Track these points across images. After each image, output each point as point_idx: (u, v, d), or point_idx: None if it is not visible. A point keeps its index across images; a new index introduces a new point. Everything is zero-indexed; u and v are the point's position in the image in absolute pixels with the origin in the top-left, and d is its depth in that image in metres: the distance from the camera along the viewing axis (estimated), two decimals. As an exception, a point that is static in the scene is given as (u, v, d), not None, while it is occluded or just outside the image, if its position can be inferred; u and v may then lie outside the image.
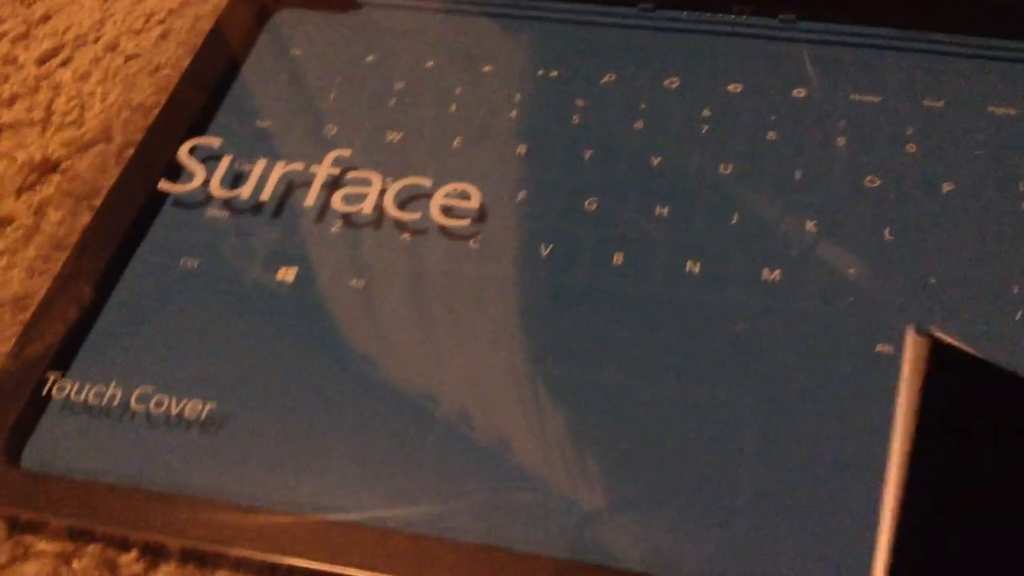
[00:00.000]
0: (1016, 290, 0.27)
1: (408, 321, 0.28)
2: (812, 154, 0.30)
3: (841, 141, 0.31)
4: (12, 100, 0.36)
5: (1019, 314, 0.26)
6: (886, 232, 0.28)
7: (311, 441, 0.26)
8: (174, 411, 0.26)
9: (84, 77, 0.37)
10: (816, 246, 0.28)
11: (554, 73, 0.34)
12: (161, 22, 0.39)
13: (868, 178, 0.30)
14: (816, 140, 0.31)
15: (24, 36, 0.39)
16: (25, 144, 0.35)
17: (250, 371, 0.27)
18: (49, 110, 0.36)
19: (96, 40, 0.38)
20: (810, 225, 0.29)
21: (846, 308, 0.27)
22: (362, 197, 0.30)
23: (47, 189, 0.33)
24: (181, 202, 0.31)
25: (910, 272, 0.27)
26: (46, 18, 0.39)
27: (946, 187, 0.29)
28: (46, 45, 0.38)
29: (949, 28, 0.33)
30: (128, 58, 0.37)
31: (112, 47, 0.38)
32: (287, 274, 0.29)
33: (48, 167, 0.34)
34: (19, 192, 0.33)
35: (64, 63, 0.38)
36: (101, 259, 0.30)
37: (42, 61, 0.37)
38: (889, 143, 0.30)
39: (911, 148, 0.30)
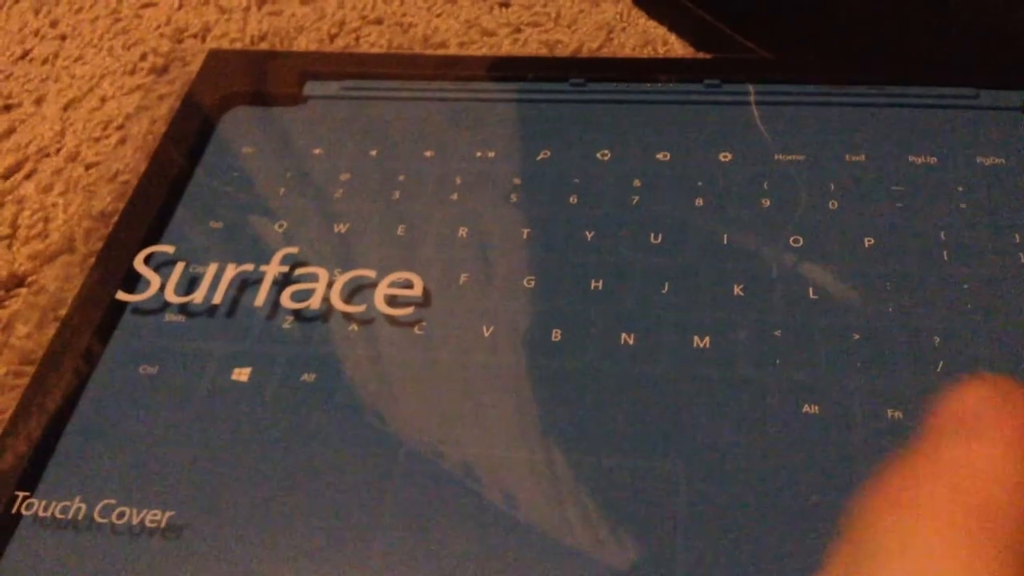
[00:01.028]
0: (937, 341, 0.28)
1: (359, 412, 0.29)
2: (738, 218, 0.32)
3: (766, 203, 0.32)
4: (-22, 218, 0.38)
5: (940, 365, 0.27)
6: (810, 291, 0.29)
7: (274, 542, 0.27)
8: (135, 521, 0.27)
9: (47, 189, 0.38)
10: (743, 310, 0.29)
11: (491, 153, 0.35)
12: (119, 128, 0.40)
13: (792, 238, 0.31)
14: (742, 203, 0.32)
15: (-12, 153, 0.40)
16: (-7, 260, 0.36)
17: (208, 475, 0.28)
18: (15, 224, 0.37)
19: (57, 151, 0.40)
20: (737, 289, 0.30)
21: (773, 370, 0.28)
22: (310, 293, 0.32)
23: (15, 303, 0.35)
24: (139, 310, 0.32)
25: (833, 330, 0.28)
26: (10, 132, 0.41)
27: (868, 242, 0.30)
28: (10, 160, 0.39)
29: (868, 80, 0.34)
30: (88, 166, 0.39)
31: (73, 157, 0.39)
32: (241, 374, 0.30)
33: (15, 281, 0.35)
34: (-12, 308, 0.35)
35: (28, 176, 0.39)
36: (65, 373, 0.31)
37: (6, 176, 0.39)
38: (813, 201, 0.32)
39: (833, 205, 0.31)
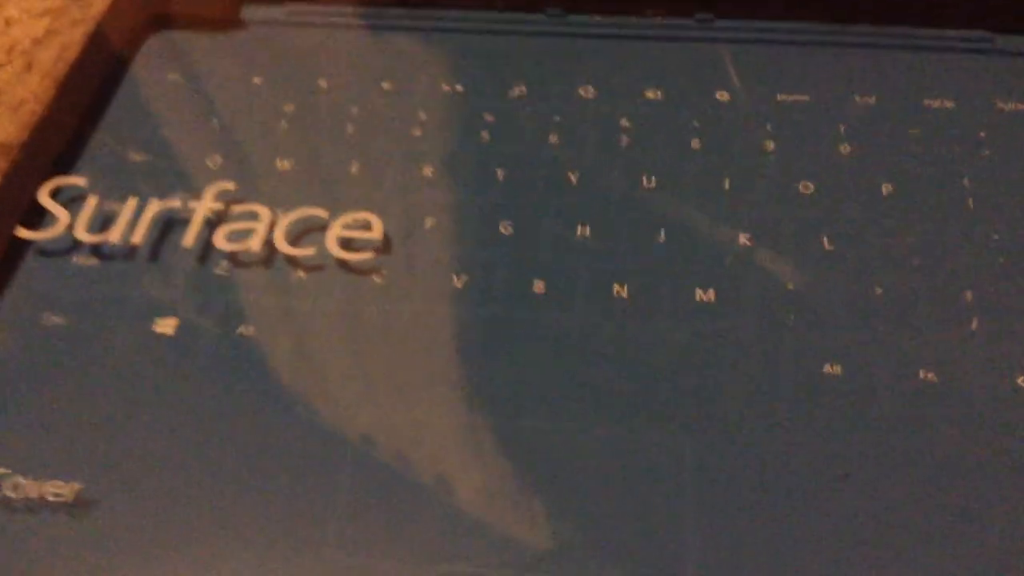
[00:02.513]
0: (969, 296, 0.25)
1: (307, 371, 0.25)
2: (740, 161, 0.28)
3: (770, 145, 0.28)
4: None
5: (975, 323, 0.24)
6: (825, 241, 0.26)
7: (198, 517, 0.22)
8: (35, 495, 0.22)
9: (-63, 116, 0.33)
10: (751, 260, 0.26)
11: (459, 87, 0.31)
12: (24, 53, 0.35)
13: (802, 184, 0.27)
14: (743, 145, 0.29)
15: None
16: None
17: (124, 443, 0.23)
18: None
19: (-49, 75, 0.34)
20: (743, 238, 0.26)
21: (788, 327, 0.24)
22: (249, 233, 0.27)
23: None
24: (44, 250, 0.27)
25: (853, 284, 0.25)
26: None
27: (885, 188, 0.27)
28: None
29: (877, 19, 0.31)
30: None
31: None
32: (166, 326, 0.26)
33: None
34: None
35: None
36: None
37: None
38: (822, 145, 0.28)
39: (845, 149, 0.28)
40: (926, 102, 0.29)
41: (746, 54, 0.31)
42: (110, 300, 0.26)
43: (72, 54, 0.34)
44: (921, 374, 0.23)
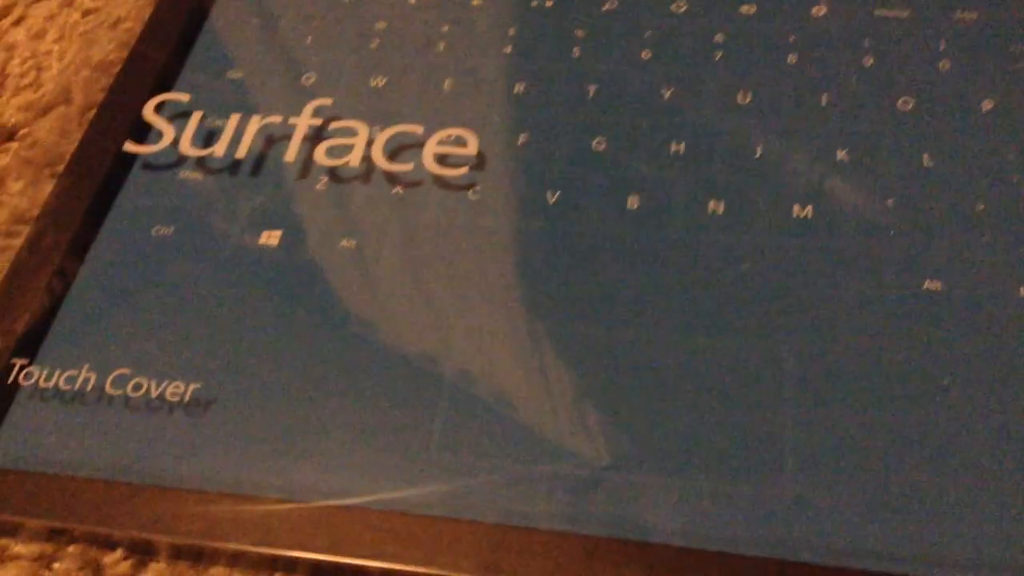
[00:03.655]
0: (1073, 214, 0.24)
1: (406, 283, 0.25)
2: (838, 77, 0.28)
3: (869, 61, 0.28)
4: (-39, 64, 0.33)
5: (1078, 240, 0.24)
6: (925, 158, 0.26)
7: (308, 420, 0.23)
8: (155, 394, 0.24)
9: (39, 36, 0.34)
10: (850, 177, 0.26)
11: (549, 3, 0.31)
12: None
13: (901, 100, 0.27)
14: (841, 61, 0.28)
15: (-30, -6, 0.35)
16: (-22, 111, 0.32)
17: (236, 346, 0.24)
18: (3, 73, 0.33)
19: (49, -5, 0.35)
20: (841, 154, 0.26)
21: (887, 243, 0.24)
22: (348, 149, 0.28)
23: (4, 158, 0.30)
24: (150, 164, 0.28)
25: (955, 200, 0.25)
26: (-6, -26, 0.36)
27: (986, 105, 0.27)
28: (-4, 3, 0.35)
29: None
30: (85, 13, 0.34)
31: (68, 2, 0.35)
32: (271, 237, 0.26)
33: (4, 134, 0.31)
34: (-26, 163, 0.30)
35: (17, 22, 0.35)
36: (66, 232, 0.27)
37: (-8, 20, 0.35)
38: (921, 61, 0.28)
39: (944, 65, 0.28)
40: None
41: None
42: (216, 212, 0.27)
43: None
44: (1022, 291, 0.23)
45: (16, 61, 0.33)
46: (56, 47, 0.33)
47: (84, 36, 0.33)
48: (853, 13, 0.29)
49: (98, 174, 0.28)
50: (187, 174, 0.28)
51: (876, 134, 0.26)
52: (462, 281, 0.25)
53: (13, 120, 0.31)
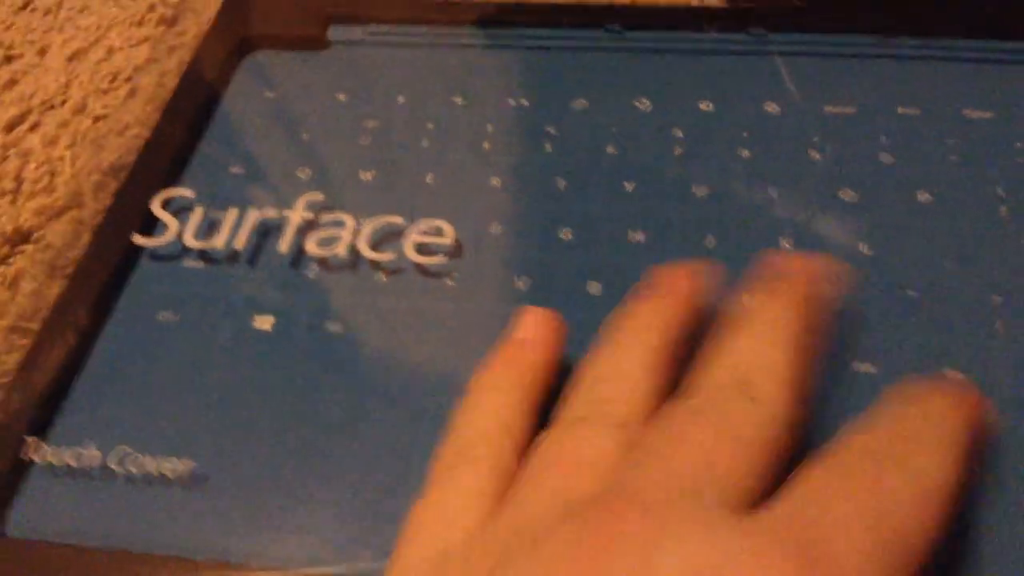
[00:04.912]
0: (998, 300, 0.26)
1: (387, 363, 0.28)
2: (787, 171, 0.30)
3: (815, 155, 0.30)
4: (-18, 171, 0.36)
5: (998, 324, 0.26)
6: (863, 246, 0.28)
7: (298, 494, 0.25)
8: (153, 470, 0.26)
9: (53, 142, 0.37)
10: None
11: (524, 101, 0.34)
12: (128, 80, 0.39)
13: (843, 191, 0.29)
14: (791, 156, 0.31)
15: (-10, 104, 0.39)
16: (-4, 216, 0.35)
17: (230, 425, 0.27)
18: (19, 179, 0.36)
19: (63, 103, 0.38)
20: (786, 243, 0.28)
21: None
22: (336, 239, 0.30)
23: (20, 261, 0.33)
24: (156, 255, 0.31)
25: (890, 286, 0.27)
26: (12, 83, 0.39)
27: (922, 196, 0.29)
28: (13, 111, 0.38)
29: (920, 32, 0.33)
30: (96, 119, 0.37)
31: (79, 109, 0.38)
32: (264, 323, 0.29)
33: (20, 237, 0.34)
34: (-8, 266, 0.33)
35: (32, 128, 0.37)
36: (78, 318, 0.30)
37: (9, 128, 0.37)
38: (865, 154, 0.30)
39: (887, 158, 0.30)
40: (965, 112, 0.31)
41: (796, 66, 0.33)
42: (215, 299, 0.30)
43: (171, 81, 0.37)
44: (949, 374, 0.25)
45: (32, 166, 0.36)
46: (68, 153, 0.36)
47: (94, 142, 0.36)
48: (804, 109, 0.32)
49: (109, 265, 0.31)
50: (190, 264, 0.31)
51: (819, 224, 0.29)
52: (441, 363, 0.28)
53: (28, 224, 0.34)
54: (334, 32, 0.37)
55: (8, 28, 0.41)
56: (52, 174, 0.35)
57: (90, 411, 0.28)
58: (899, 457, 0.20)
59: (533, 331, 0.26)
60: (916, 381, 0.22)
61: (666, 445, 0.20)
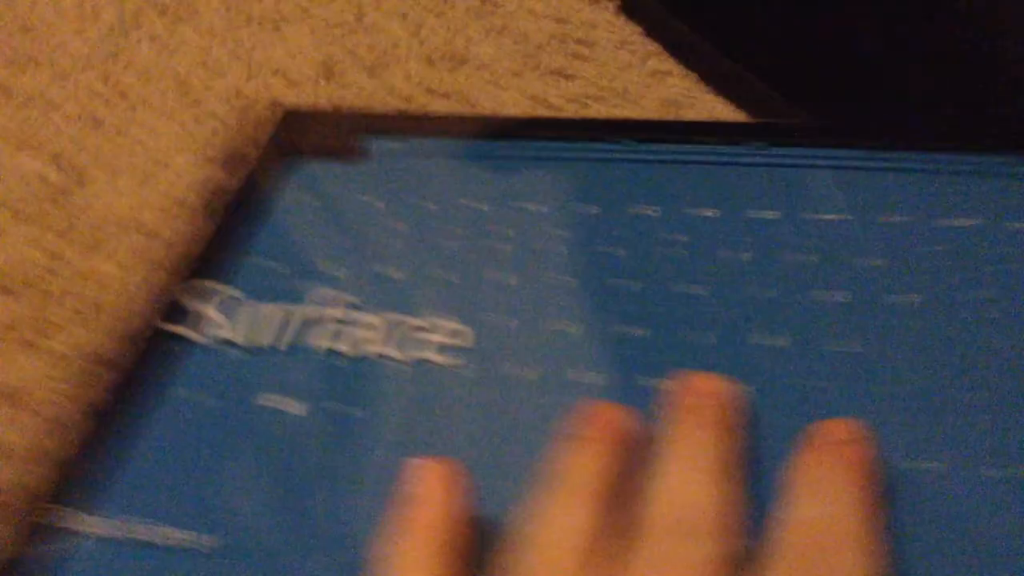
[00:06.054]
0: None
1: (411, 450, 0.30)
2: (786, 274, 0.32)
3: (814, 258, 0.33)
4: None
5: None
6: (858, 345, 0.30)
7: (308, 571, 0.28)
8: (181, 542, 0.28)
9: (124, 265, 0.40)
10: (787, 361, 0.30)
11: (544, 208, 0.36)
12: (187, 199, 0.42)
13: (843, 294, 0.31)
14: (790, 258, 0.33)
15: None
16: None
17: (258, 503, 0.29)
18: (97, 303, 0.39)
19: (134, 226, 0.42)
20: (783, 343, 0.30)
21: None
22: (367, 338, 0.33)
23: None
24: (193, 342, 0.34)
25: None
26: (86, 208, 0.43)
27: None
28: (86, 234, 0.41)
29: (909, 146, 0.35)
30: (152, 236, 0.41)
31: (141, 228, 0.41)
32: (291, 406, 0.32)
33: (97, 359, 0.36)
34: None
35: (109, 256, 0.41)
36: (112, 401, 0.33)
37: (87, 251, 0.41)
38: (854, 259, 0.32)
39: (876, 262, 0.32)
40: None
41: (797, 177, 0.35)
42: (251, 386, 0.32)
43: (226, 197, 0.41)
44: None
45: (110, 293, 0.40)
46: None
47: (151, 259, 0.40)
48: (799, 217, 0.34)
49: (143, 351, 0.34)
50: (225, 351, 0.34)
51: (817, 319, 0.31)
52: (457, 448, 0.30)
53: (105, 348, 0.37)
54: (370, 143, 0.40)
55: (81, 149, 0.45)
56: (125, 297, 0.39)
57: (121, 482, 0.30)
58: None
59: (429, 487, 0.26)
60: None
61: None
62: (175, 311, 0.35)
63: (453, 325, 0.33)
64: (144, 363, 0.34)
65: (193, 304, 0.35)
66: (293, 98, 0.46)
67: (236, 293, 0.35)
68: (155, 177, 0.44)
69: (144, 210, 0.43)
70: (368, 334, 0.33)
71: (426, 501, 0.26)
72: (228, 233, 0.38)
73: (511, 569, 0.24)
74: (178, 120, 0.45)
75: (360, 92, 0.47)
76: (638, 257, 0.34)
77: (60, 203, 0.43)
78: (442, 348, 0.32)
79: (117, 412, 0.32)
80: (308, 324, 0.34)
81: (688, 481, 0.25)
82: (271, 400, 0.32)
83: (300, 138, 0.42)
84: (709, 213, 0.35)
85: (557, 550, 0.24)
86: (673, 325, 0.32)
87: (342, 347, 0.33)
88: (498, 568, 0.25)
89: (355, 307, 0.34)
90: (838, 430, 0.26)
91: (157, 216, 0.42)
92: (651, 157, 0.37)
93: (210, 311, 0.35)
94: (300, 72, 0.47)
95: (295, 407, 0.32)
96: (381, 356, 0.33)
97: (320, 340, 0.33)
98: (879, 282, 0.32)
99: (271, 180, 0.40)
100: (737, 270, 0.33)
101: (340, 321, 0.34)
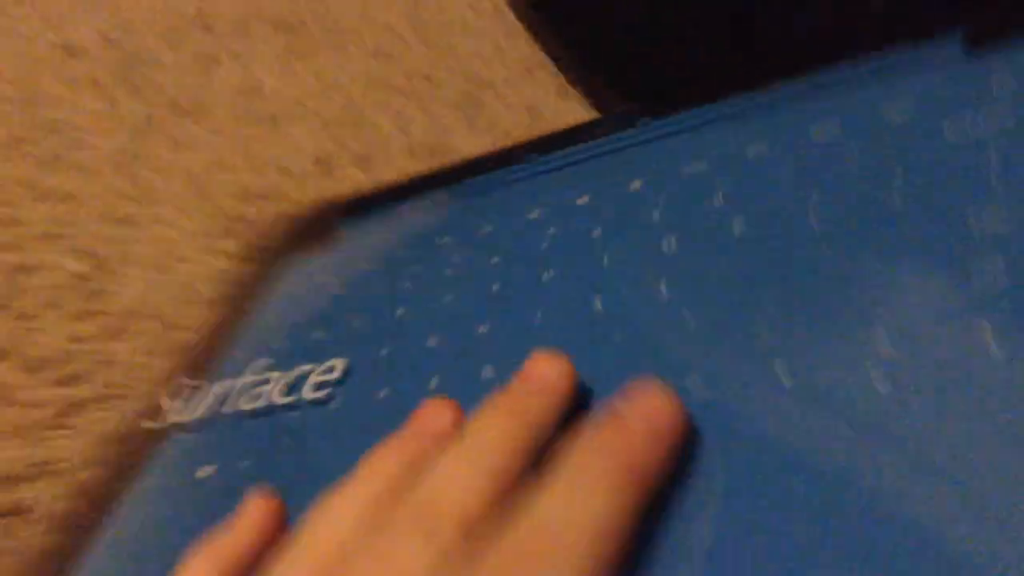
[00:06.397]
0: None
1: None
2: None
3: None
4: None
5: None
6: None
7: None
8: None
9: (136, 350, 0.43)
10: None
11: (495, 259, 0.35)
12: (198, 289, 0.45)
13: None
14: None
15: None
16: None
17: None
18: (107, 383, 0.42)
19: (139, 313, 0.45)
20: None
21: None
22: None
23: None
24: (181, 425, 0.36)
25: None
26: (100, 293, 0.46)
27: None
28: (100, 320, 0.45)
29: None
30: (168, 325, 0.44)
31: (153, 316, 0.44)
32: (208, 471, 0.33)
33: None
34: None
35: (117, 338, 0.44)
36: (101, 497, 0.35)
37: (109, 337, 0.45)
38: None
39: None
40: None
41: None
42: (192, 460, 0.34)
43: (230, 288, 0.43)
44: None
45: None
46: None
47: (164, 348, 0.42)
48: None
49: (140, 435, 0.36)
50: (227, 423, 0.35)
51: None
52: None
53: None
54: (345, 225, 0.42)
55: (105, 241, 0.49)
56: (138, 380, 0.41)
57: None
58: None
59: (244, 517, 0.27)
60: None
61: None
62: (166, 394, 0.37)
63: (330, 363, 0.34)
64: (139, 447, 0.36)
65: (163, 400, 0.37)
66: (290, 190, 0.48)
67: (214, 376, 0.37)
68: (173, 269, 0.47)
69: (163, 302, 0.46)
70: (267, 387, 0.34)
71: (233, 528, 0.27)
72: (221, 327, 0.40)
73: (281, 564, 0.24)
74: (192, 216, 0.48)
75: (352, 185, 0.48)
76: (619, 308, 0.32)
77: (86, 294, 0.47)
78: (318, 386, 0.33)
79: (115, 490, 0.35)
80: (243, 391, 0.35)
81: (570, 499, 0.22)
82: (204, 471, 0.33)
83: (288, 237, 0.43)
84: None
85: (324, 545, 0.24)
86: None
87: (253, 406, 0.34)
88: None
89: (270, 368, 0.35)
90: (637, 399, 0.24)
91: (173, 307, 0.45)
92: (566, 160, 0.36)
93: (168, 401, 0.37)
94: (301, 168, 0.50)
95: (206, 471, 0.33)
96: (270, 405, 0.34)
97: (245, 404, 0.34)
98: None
99: (264, 275, 0.42)
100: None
101: (257, 384, 0.34)
